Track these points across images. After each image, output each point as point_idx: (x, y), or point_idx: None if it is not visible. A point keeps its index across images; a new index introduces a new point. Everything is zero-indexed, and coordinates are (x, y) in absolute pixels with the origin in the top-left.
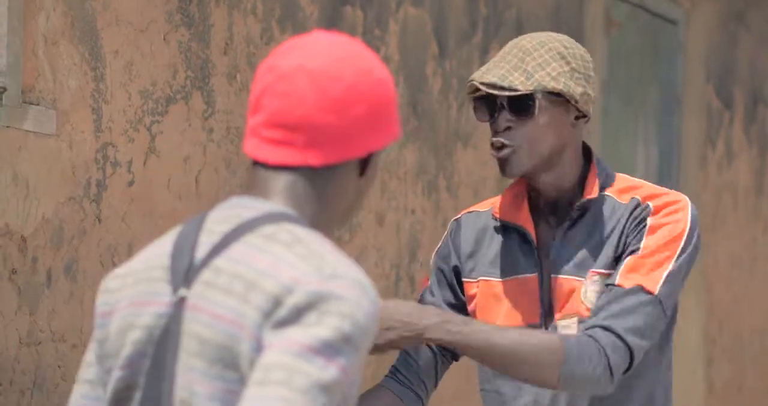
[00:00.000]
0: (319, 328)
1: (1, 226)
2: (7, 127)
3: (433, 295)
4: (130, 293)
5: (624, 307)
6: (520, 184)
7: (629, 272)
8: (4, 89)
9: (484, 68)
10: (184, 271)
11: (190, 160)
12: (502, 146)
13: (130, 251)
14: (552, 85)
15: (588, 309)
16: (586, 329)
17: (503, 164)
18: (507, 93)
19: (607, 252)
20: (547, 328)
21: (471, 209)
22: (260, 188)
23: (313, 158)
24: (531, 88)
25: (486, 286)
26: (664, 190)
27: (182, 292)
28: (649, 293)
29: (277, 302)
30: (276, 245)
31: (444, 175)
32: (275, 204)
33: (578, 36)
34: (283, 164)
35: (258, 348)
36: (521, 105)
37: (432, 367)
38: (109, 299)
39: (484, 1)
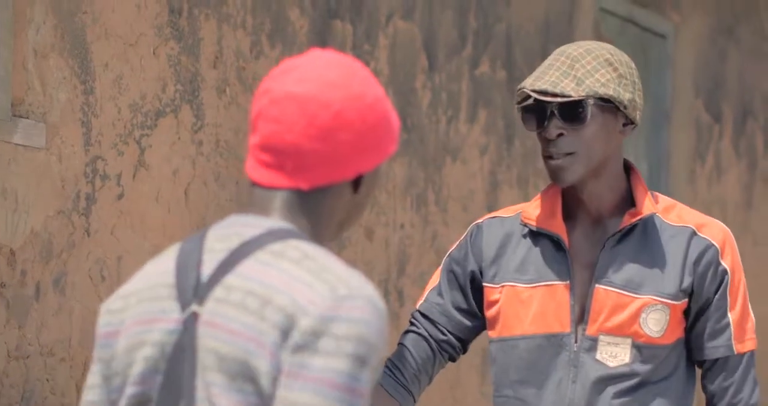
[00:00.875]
0: (338, 360)
1: None
2: None
3: (441, 297)
4: (136, 312)
5: (753, 376)
6: (554, 191)
7: (741, 334)
8: None
9: (532, 76)
10: (192, 288)
11: (179, 174)
12: (555, 155)
13: (119, 265)
14: (603, 90)
15: (647, 336)
16: None
17: (558, 172)
18: (559, 99)
19: (669, 280)
20: (579, 336)
21: (494, 214)
22: (259, 206)
23: (302, 182)
24: (583, 94)
25: (511, 292)
26: (703, 216)
27: (194, 308)
28: (755, 349)
29: (292, 321)
30: (286, 262)
31: (433, 189)
32: (275, 221)
33: None
34: (274, 187)
35: (278, 367)
36: (573, 112)
37: (430, 365)
38: (112, 319)
39: (474, 14)
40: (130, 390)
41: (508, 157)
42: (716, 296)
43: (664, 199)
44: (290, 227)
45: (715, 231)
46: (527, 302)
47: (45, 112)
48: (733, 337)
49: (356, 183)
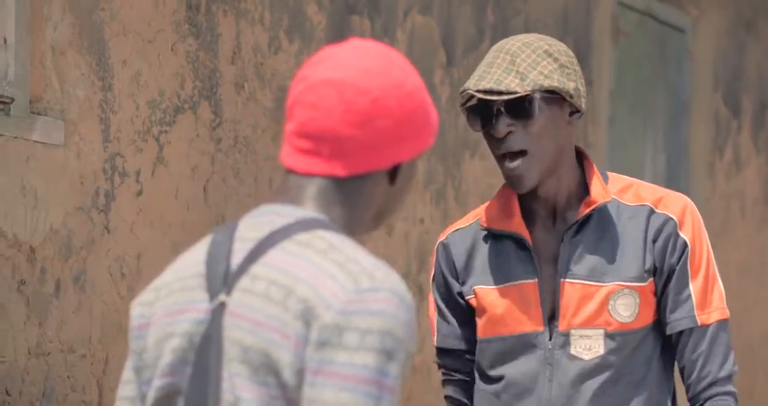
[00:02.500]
0: (364, 355)
1: (9, 237)
2: (15, 137)
3: (449, 323)
4: (166, 304)
5: (724, 347)
6: (506, 190)
7: (702, 307)
8: (12, 100)
9: (474, 77)
10: (221, 278)
11: (198, 170)
12: (510, 155)
13: (138, 261)
14: (547, 83)
15: (618, 323)
16: (711, 389)
17: (516, 180)
18: (505, 97)
19: (633, 263)
20: (552, 333)
21: (453, 227)
22: (292, 194)
23: (339, 169)
24: (528, 88)
25: (482, 294)
26: (663, 190)
27: (221, 298)
28: (726, 319)
29: (314, 314)
30: (311, 252)
31: (452, 184)
32: (307, 210)
33: (586, 44)
34: (310, 173)
35: (302, 358)
36: (520, 107)
37: None
38: (144, 311)
39: (492, 8)
40: (159, 382)
41: None
42: (677, 269)
43: (619, 180)
44: (320, 217)
45: (672, 204)
46: (498, 304)
47: (63, 110)
48: (695, 308)
49: (393, 174)
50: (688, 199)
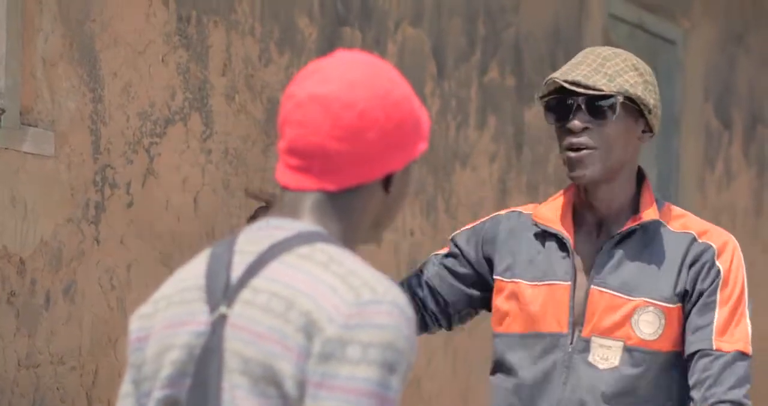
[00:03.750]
0: (366, 368)
1: None
2: (6, 149)
3: (448, 261)
4: (165, 316)
5: (737, 376)
6: (567, 194)
7: (722, 335)
8: (3, 111)
9: (561, 70)
10: (222, 290)
11: (188, 182)
12: (579, 148)
13: (128, 273)
14: (632, 90)
15: (638, 339)
16: (718, 405)
17: (577, 165)
18: (590, 92)
19: (664, 284)
20: (575, 337)
21: (515, 208)
22: (289, 209)
23: (330, 184)
24: (614, 90)
25: (517, 288)
26: (712, 225)
27: (222, 310)
28: (747, 355)
29: (316, 327)
30: (312, 264)
31: (442, 195)
32: (305, 223)
33: None
34: (302, 190)
35: (303, 370)
36: (601, 106)
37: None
38: (143, 324)
39: (483, 21)
40: (158, 394)
41: (518, 163)
42: (705, 294)
43: (674, 210)
44: (320, 230)
45: (716, 236)
46: (530, 300)
47: (54, 121)
48: (714, 333)
49: (387, 183)
50: (734, 238)
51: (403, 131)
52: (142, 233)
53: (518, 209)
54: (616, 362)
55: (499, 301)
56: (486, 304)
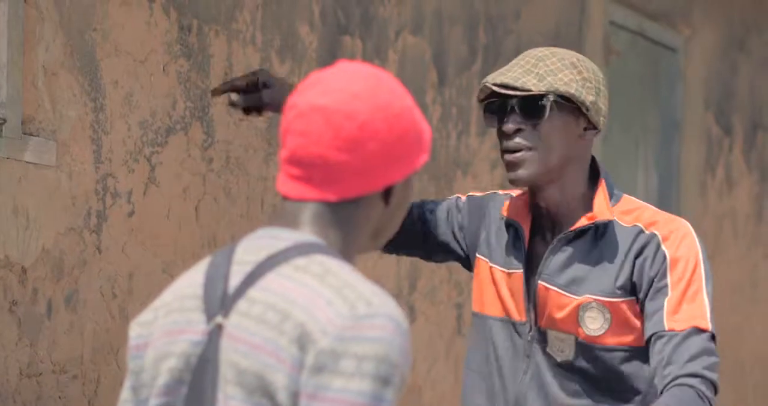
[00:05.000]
0: (359, 381)
1: (1, 257)
2: (7, 158)
3: (459, 209)
4: (164, 323)
5: (692, 352)
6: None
7: (674, 314)
8: (4, 121)
9: (496, 72)
10: (219, 300)
11: (189, 191)
12: (514, 150)
13: (130, 282)
14: (564, 88)
15: (585, 334)
16: (675, 380)
17: (514, 167)
18: (520, 93)
19: (607, 278)
20: (532, 328)
21: (502, 192)
22: (288, 219)
23: (331, 194)
24: (543, 89)
25: (492, 271)
26: (665, 214)
27: (218, 320)
28: (704, 330)
29: (310, 339)
30: (308, 276)
31: None
32: (303, 234)
33: None
34: (303, 199)
35: (297, 382)
36: (532, 107)
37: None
38: (142, 331)
39: (484, 29)
40: (155, 401)
41: None
42: (654, 281)
43: (629, 202)
44: (317, 241)
45: (663, 225)
46: (498, 285)
47: (55, 130)
48: (665, 314)
49: (387, 194)
50: (686, 224)
51: (404, 143)
52: (144, 241)
53: (509, 192)
54: (571, 356)
55: (480, 280)
56: (463, 263)
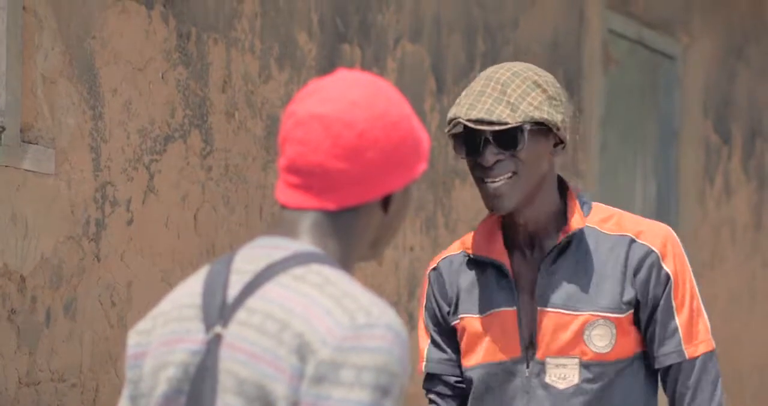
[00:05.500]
0: (359, 391)
1: None
2: (6, 166)
3: (443, 351)
4: (163, 333)
5: (711, 379)
6: (491, 219)
7: (689, 340)
8: (3, 128)
9: (464, 105)
10: (217, 309)
11: (188, 199)
12: (496, 179)
13: (129, 290)
14: (537, 114)
15: (593, 353)
16: None
17: (496, 198)
18: (496, 127)
19: (610, 293)
20: (530, 361)
21: (443, 255)
22: (287, 228)
23: (329, 203)
24: (519, 120)
25: (468, 323)
26: (644, 220)
27: (217, 329)
28: (713, 351)
29: (309, 349)
30: (307, 286)
31: (442, 212)
32: (302, 243)
33: (576, 72)
34: (302, 208)
35: (297, 392)
36: (509, 138)
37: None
38: (140, 340)
39: (482, 37)
40: None
41: None
42: (661, 302)
43: (602, 210)
44: (316, 251)
45: (653, 235)
46: (480, 332)
47: (54, 138)
48: (682, 341)
49: (386, 203)
50: (669, 230)
51: (402, 152)
52: (143, 250)
53: (446, 254)
54: (576, 380)
55: (465, 338)
56: None
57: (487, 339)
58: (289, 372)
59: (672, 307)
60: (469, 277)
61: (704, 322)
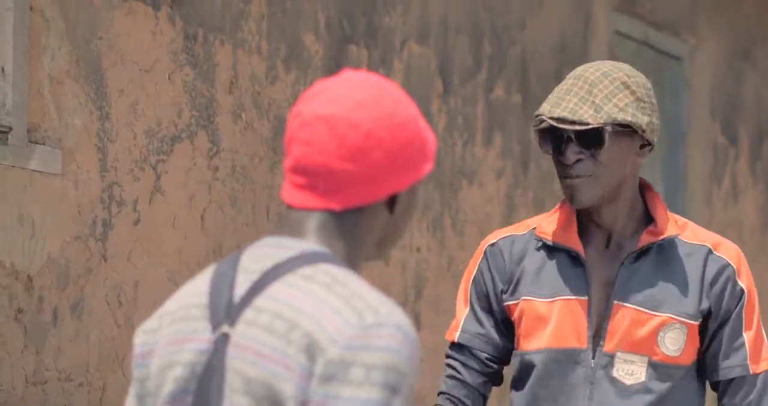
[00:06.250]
0: (369, 390)
1: (7, 265)
2: (13, 166)
3: (481, 325)
4: (169, 332)
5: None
6: (567, 208)
7: (755, 356)
8: (10, 129)
9: (550, 101)
10: (224, 308)
11: (195, 199)
12: (574, 177)
13: (135, 290)
14: (621, 116)
15: (664, 355)
16: None
17: (575, 193)
18: (577, 127)
19: (688, 300)
20: (596, 352)
21: (503, 233)
22: (293, 228)
23: (335, 203)
24: (601, 121)
25: (529, 306)
26: (714, 234)
27: (224, 329)
28: None
29: (318, 348)
30: (315, 285)
31: (449, 212)
32: (309, 243)
33: None
34: (307, 208)
35: (305, 391)
36: (591, 138)
37: (484, 380)
38: (147, 339)
39: (489, 38)
40: None
41: (525, 180)
42: (733, 316)
43: (677, 218)
44: (323, 250)
45: (730, 250)
46: (545, 317)
47: (61, 139)
48: (748, 357)
49: (391, 203)
50: (739, 248)
51: (408, 152)
52: (149, 250)
53: (510, 233)
54: (643, 377)
55: (524, 321)
56: None
57: (552, 324)
58: (298, 371)
59: (742, 322)
60: (537, 260)
61: (766, 341)
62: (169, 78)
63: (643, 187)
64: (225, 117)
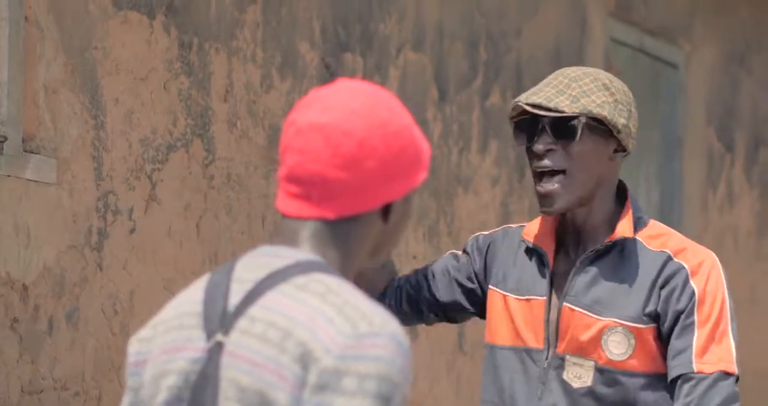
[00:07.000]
0: (361, 399)
1: (2, 275)
2: (8, 176)
3: (458, 261)
4: (163, 341)
5: (721, 397)
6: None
7: (702, 356)
8: (5, 138)
9: (528, 92)
10: (218, 317)
11: (190, 208)
12: (545, 174)
13: (131, 299)
14: (597, 110)
15: (608, 359)
16: None
17: (547, 197)
18: (552, 114)
19: (634, 304)
20: (549, 354)
21: (523, 224)
22: (287, 237)
23: (328, 212)
24: (576, 110)
25: (505, 301)
26: (693, 244)
27: (218, 337)
28: (731, 374)
29: (312, 357)
30: (309, 295)
31: (445, 220)
32: (303, 252)
33: None
34: (301, 217)
35: (298, 400)
36: (564, 127)
37: (428, 305)
38: (141, 348)
39: (484, 45)
40: None
41: (520, 187)
42: (681, 317)
43: (657, 227)
44: (317, 260)
45: (692, 256)
46: (512, 314)
47: (56, 148)
48: (694, 355)
49: (386, 212)
50: (713, 256)
51: (402, 161)
52: (145, 258)
53: (505, 227)
54: (589, 382)
55: (492, 311)
56: (480, 311)
57: (517, 321)
58: (292, 380)
59: (693, 323)
60: (517, 256)
61: (728, 347)
62: (164, 87)
63: (625, 195)
64: (220, 125)
